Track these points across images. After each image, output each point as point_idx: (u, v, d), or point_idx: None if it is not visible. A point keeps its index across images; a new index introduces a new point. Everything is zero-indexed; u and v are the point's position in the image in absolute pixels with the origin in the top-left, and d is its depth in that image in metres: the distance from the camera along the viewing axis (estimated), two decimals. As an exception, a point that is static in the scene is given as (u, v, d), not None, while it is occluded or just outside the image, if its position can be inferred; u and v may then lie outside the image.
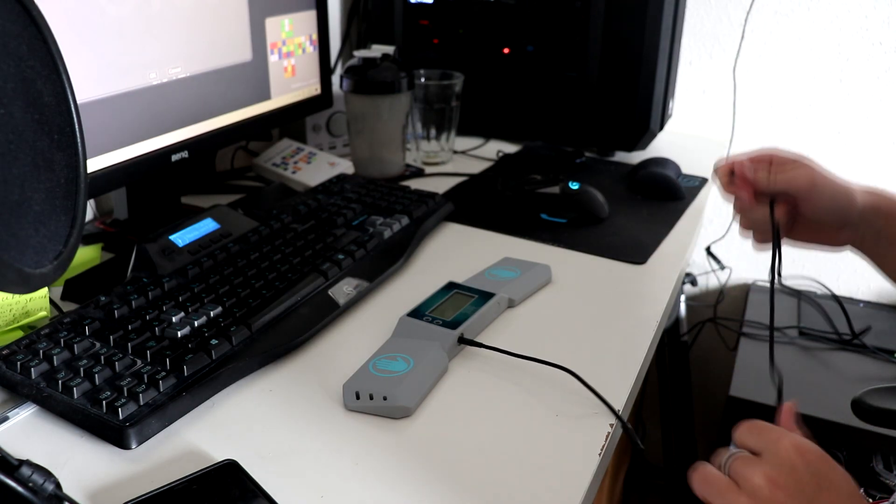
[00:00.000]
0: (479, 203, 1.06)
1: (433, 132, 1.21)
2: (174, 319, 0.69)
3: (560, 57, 1.26)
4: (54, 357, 0.62)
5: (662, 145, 1.34)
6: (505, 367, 0.69)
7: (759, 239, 0.75)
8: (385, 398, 0.61)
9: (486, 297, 0.76)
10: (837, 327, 1.38)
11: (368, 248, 0.85)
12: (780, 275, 0.71)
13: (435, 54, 1.34)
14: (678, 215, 1.05)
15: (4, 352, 0.63)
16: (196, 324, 0.69)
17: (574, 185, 1.01)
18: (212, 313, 0.70)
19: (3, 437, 0.59)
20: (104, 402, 0.57)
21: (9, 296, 0.69)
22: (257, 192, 1.10)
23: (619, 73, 1.23)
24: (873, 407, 0.91)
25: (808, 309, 1.45)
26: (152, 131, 0.86)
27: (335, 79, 1.20)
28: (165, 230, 0.80)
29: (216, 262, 0.79)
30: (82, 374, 0.60)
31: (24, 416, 0.61)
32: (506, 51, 1.29)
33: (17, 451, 0.56)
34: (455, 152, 1.28)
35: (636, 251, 0.93)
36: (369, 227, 0.90)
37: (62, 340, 0.64)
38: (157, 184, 0.96)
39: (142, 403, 0.58)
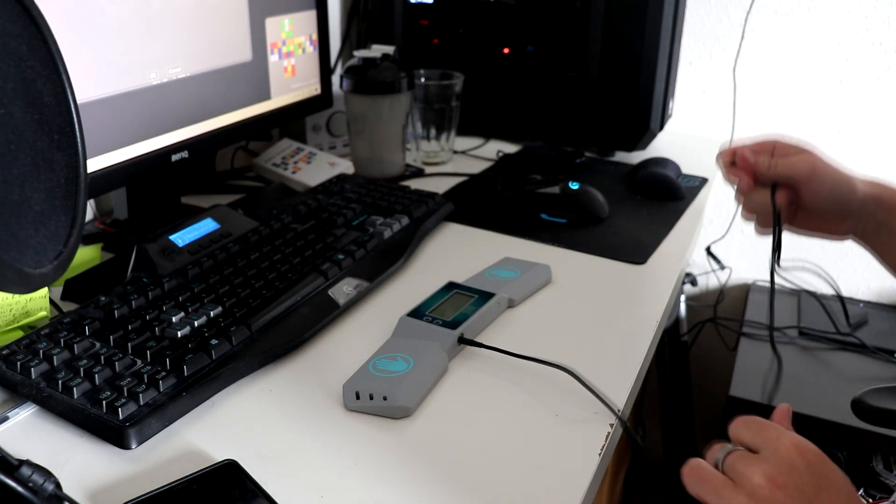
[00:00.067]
0: (479, 203, 1.06)
1: (433, 132, 1.21)
2: (174, 319, 0.69)
3: (560, 57, 1.26)
4: (54, 357, 0.62)
5: (662, 145, 1.34)
6: (505, 367, 0.69)
7: (761, 225, 0.76)
8: (385, 398, 0.61)
9: (486, 297, 0.76)
10: (838, 327, 1.38)
11: (368, 248, 0.85)
12: (779, 260, 0.72)
13: (435, 54, 1.34)
14: (678, 215, 1.05)
15: (4, 352, 0.63)
16: (196, 324, 0.69)
17: (574, 185, 1.01)
18: (212, 313, 0.70)
19: (3, 437, 0.59)
20: (104, 402, 0.57)
21: (9, 296, 0.69)
22: (257, 192, 1.10)
23: (619, 73, 1.23)
24: (873, 407, 0.91)
25: (809, 309, 1.45)
26: (152, 131, 0.86)
27: (335, 79, 1.20)
28: (165, 230, 0.80)
29: (216, 262, 0.79)
30: (82, 374, 0.60)
31: (24, 416, 0.61)
32: (506, 51, 1.29)
33: (17, 451, 0.56)
34: (455, 152, 1.28)
35: (636, 251, 0.93)
36: (369, 227, 0.90)
37: (62, 340, 0.64)
38: (157, 184, 0.96)
39: (142, 403, 0.58)
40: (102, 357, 0.63)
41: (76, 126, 0.50)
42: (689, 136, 1.45)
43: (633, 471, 1.68)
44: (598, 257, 0.92)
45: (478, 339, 0.71)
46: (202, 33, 0.90)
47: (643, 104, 1.23)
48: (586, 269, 0.89)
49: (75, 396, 0.59)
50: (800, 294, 1.50)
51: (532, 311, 0.79)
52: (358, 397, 0.62)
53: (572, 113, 1.28)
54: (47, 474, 0.47)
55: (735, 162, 0.73)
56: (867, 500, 0.96)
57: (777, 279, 1.55)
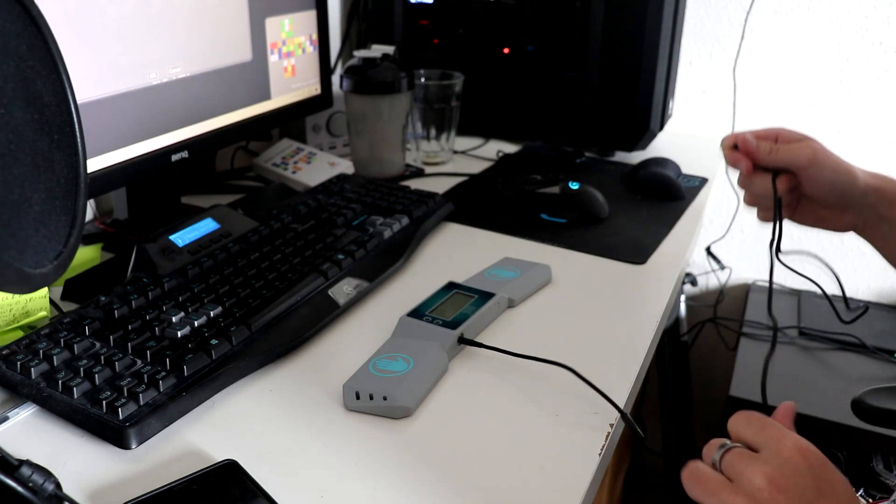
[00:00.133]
0: (479, 203, 1.06)
1: (433, 132, 1.21)
2: (174, 319, 0.69)
3: (560, 57, 1.26)
4: (54, 357, 0.62)
5: (662, 145, 1.34)
6: (505, 367, 0.69)
7: (763, 213, 0.77)
8: (385, 398, 0.61)
9: (486, 297, 0.76)
10: (840, 316, 1.38)
11: (368, 248, 0.85)
12: (779, 249, 0.72)
13: (435, 54, 1.34)
14: (678, 215, 1.05)
15: (4, 352, 0.63)
16: (196, 324, 0.69)
17: (574, 185, 1.01)
18: (212, 313, 0.70)
19: (3, 437, 0.59)
20: (104, 402, 0.57)
21: (9, 296, 0.69)
22: (257, 192, 1.10)
23: (619, 73, 1.23)
24: (873, 407, 0.91)
25: (809, 309, 1.45)
26: (152, 131, 0.86)
27: (335, 79, 1.20)
28: (165, 230, 0.80)
29: (216, 262, 0.79)
30: (82, 374, 0.60)
31: (24, 416, 0.61)
32: (506, 51, 1.29)
33: (17, 451, 0.56)
34: (455, 152, 1.28)
35: (636, 251, 0.93)
36: (369, 227, 0.90)
37: (62, 340, 0.64)
38: (157, 184, 0.96)
39: (142, 403, 0.58)
40: (102, 357, 0.63)
41: (76, 126, 0.50)
42: (689, 136, 1.45)
43: (633, 471, 1.68)
44: (598, 257, 0.92)
45: (478, 339, 0.71)
46: (202, 33, 0.90)
47: (643, 104, 1.23)
48: (586, 269, 0.89)
49: (75, 396, 0.59)
50: (800, 294, 1.50)
51: (532, 311, 0.79)
52: (358, 397, 0.62)
53: (572, 113, 1.28)
54: (47, 474, 0.47)
55: (737, 146, 0.74)
56: (867, 501, 0.96)
57: (776, 278, 1.55)
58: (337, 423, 0.61)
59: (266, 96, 1.03)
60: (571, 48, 1.24)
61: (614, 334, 0.75)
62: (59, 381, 0.60)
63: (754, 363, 1.31)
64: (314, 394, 0.65)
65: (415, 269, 0.88)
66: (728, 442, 0.49)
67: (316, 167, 1.14)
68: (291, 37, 1.06)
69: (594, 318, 0.78)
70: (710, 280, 1.63)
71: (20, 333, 0.70)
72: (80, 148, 0.51)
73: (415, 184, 1.10)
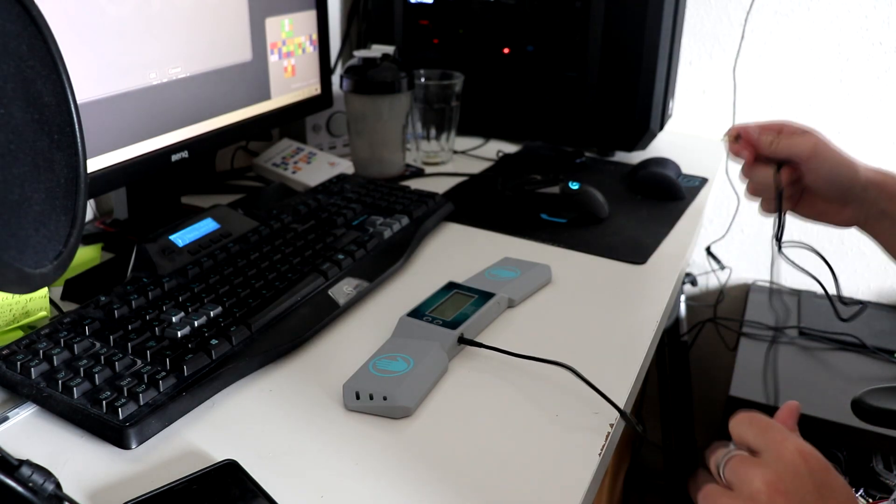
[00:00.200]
0: (479, 203, 1.06)
1: (433, 132, 1.21)
2: (174, 319, 0.69)
3: (560, 57, 1.26)
4: (54, 357, 0.62)
5: (662, 145, 1.34)
6: (505, 367, 0.69)
7: (765, 206, 0.77)
8: (385, 398, 0.61)
9: (486, 297, 0.76)
10: (839, 314, 1.38)
11: (368, 248, 0.85)
12: (780, 239, 0.72)
13: (435, 54, 1.34)
14: (678, 215, 1.05)
15: (4, 352, 0.63)
16: (196, 324, 0.69)
17: (574, 185, 1.01)
18: (212, 313, 0.70)
19: (3, 437, 0.59)
20: (104, 402, 0.57)
21: (9, 296, 0.69)
22: (257, 192, 1.10)
23: (619, 73, 1.23)
24: (873, 407, 0.91)
25: (809, 309, 1.45)
26: (152, 131, 0.86)
27: (335, 79, 1.20)
28: (165, 230, 0.80)
29: (216, 262, 0.79)
30: (82, 374, 0.60)
31: (24, 416, 0.61)
32: (506, 51, 1.29)
33: (17, 451, 0.56)
34: (455, 152, 1.28)
35: (636, 251, 0.93)
36: (369, 227, 0.90)
37: (62, 340, 0.64)
38: (157, 184, 0.96)
39: (142, 403, 0.58)
40: (102, 357, 0.63)
41: (76, 126, 0.50)
42: (689, 136, 1.45)
43: (633, 471, 1.68)
44: (598, 257, 0.92)
45: (478, 339, 0.71)
46: (202, 33, 0.90)
47: (643, 104, 1.23)
48: (586, 269, 0.89)
49: (75, 396, 0.59)
50: (800, 294, 1.50)
51: (532, 311, 0.79)
52: (358, 397, 0.62)
53: (572, 113, 1.28)
54: (47, 474, 0.47)
55: (739, 137, 0.75)
56: (867, 501, 0.96)
57: (777, 279, 1.55)
58: (337, 423, 0.61)
59: (266, 96, 1.03)
60: (571, 48, 1.24)
61: (614, 334, 0.75)
62: (59, 381, 0.60)
63: (754, 363, 1.31)
64: (314, 394, 0.65)
65: (415, 269, 0.88)
66: (732, 448, 0.48)
67: (316, 167, 1.14)
68: (291, 37, 1.06)
69: (594, 318, 0.78)
70: (710, 280, 1.63)
71: (20, 333, 0.70)
72: (80, 148, 0.51)
73: (415, 184, 1.10)
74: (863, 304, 1.36)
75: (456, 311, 0.73)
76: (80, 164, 0.51)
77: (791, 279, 1.52)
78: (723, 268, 1.61)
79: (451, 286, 0.78)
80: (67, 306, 0.77)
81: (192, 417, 0.61)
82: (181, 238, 0.80)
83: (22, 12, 0.46)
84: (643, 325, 0.77)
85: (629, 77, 1.22)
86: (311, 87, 1.12)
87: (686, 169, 1.21)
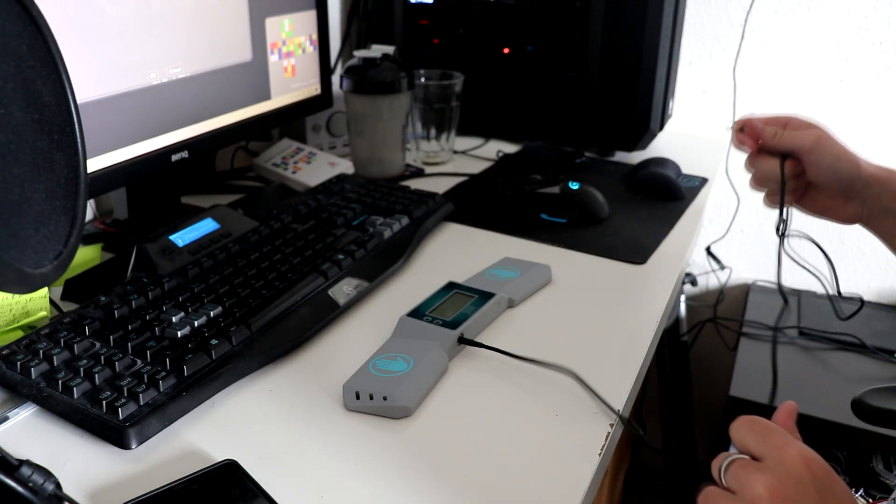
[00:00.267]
0: (479, 203, 1.06)
1: (433, 132, 1.21)
2: (174, 319, 0.69)
3: (560, 57, 1.26)
4: (54, 357, 0.62)
5: (662, 145, 1.34)
6: (505, 367, 0.69)
7: (770, 198, 0.78)
8: (385, 398, 0.61)
9: (486, 297, 0.76)
10: (838, 312, 1.38)
11: (368, 248, 0.85)
12: (783, 233, 0.73)
13: (435, 54, 1.34)
14: (678, 215, 1.05)
15: (4, 352, 0.63)
16: (196, 324, 0.69)
17: (574, 185, 1.01)
18: (212, 313, 0.70)
19: (3, 437, 0.59)
20: (104, 402, 0.57)
21: (9, 296, 0.69)
22: (257, 192, 1.10)
23: (619, 73, 1.23)
24: (873, 407, 0.91)
25: (809, 309, 1.45)
26: (152, 131, 0.86)
27: (335, 79, 1.20)
28: (165, 230, 0.80)
29: (216, 262, 0.79)
30: (82, 374, 0.60)
31: (24, 416, 0.61)
32: (506, 51, 1.29)
33: (17, 451, 0.56)
34: (455, 152, 1.28)
35: (636, 251, 0.93)
36: (369, 227, 0.90)
37: (62, 340, 0.64)
38: (157, 184, 0.96)
39: (142, 403, 0.58)
40: (102, 357, 0.63)
41: (76, 126, 0.50)
42: (689, 136, 1.45)
43: (633, 471, 1.68)
44: (598, 257, 0.92)
45: (478, 339, 0.71)
46: (202, 33, 0.90)
47: (643, 104, 1.23)
48: (586, 269, 0.89)
49: (75, 396, 0.59)
50: (800, 294, 1.50)
51: (532, 311, 0.79)
52: (358, 397, 0.62)
53: (572, 113, 1.28)
54: (47, 474, 0.47)
55: (745, 129, 0.76)
56: (867, 501, 0.96)
57: (778, 273, 1.55)
58: (337, 423, 0.61)
59: (266, 96, 1.03)
60: (571, 48, 1.24)
61: (614, 334, 0.75)
62: (59, 381, 0.60)
63: (754, 363, 1.31)
64: (314, 394, 0.65)
65: (415, 269, 0.88)
66: (734, 453, 0.48)
67: (316, 167, 1.14)
68: (291, 37, 1.06)
69: (594, 318, 0.78)
70: (710, 280, 1.63)
71: (20, 333, 0.70)
72: (80, 148, 0.51)
73: (415, 184, 1.10)
74: (862, 301, 1.36)
75: (456, 311, 0.73)
76: (80, 164, 0.51)
77: (791, 279, 1.52)
78: (723, 268, 1.61)
79: (451, 286, 0.78)
80: (67, 306, 0.77)
81: (192, 417, 0.61)
82: (181, 238, 0.80)
83: (22, 12, 0.46)
84: (643, 325, 0.77)
85: (629, 77, 1.22)
86: (311, 87, 1.12)
87: (686, 169, 1.21)
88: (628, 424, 0.62)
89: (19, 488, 0.45)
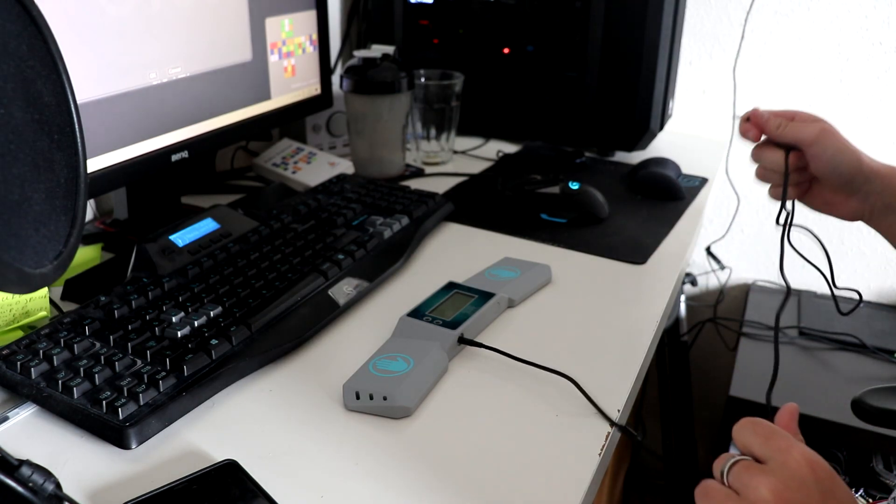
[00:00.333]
0: (479, 203, 1.06)
1: (433, 132, 1.21)
2: (174, 319, 0.69)
3: (560, 57, 1.26)
4: (54, 357, 0.62)
5: (662, 145, 1.34)
6: (505, 367, 0.69)
7: (773, 191, 0.78)
8: (385, 398, 0.61)
9: (486, 297, 0.76)
10: (838, 327, 1.38)
11: (368, 248, 0.85)
12: (786, 222, 0.73)
13: (435, 54, 1.34)
14: (678, 215, 1.05)
15: (4, 352, 0.63)
16: (196, 324, 0.69)
17: (574, 185, 1.01)
18: (212, 313, 0.70)
19: (3, 437, 0.59)
20: (104, 402, 0.57)
21: (9, 296, 0.69)
22: (257, 192, 1.10)
23: (619, 73, 1.23)
24: (873, 407, 0.91)
25: (808, 309, 1.45)
26: (152, 131, 0.86)
27: (335, 79, 1.20)
28: (165, 230, 0.80)
29: (216, 262, 0.79)
30: (82, 374, 0.60)
31: (24, 416, 0.61)
32: (506, 51, 1.29)
33: (17, 451, 0.56)
34: (455, 152, 1.28)
35: (636, 251, 0.93)
36: (369, 227, 0.90)
37: (62, 340, 0.64)
38: (157, 184, 0.96)
39: (142, 403, 0.58)
40: (102, 357, 0.63)
41: (76, 126, 0.50)
42: (689, 136, 1.45)
43: (633, 471, 1.68)
44: (598, 257, 0.92)
45: (478, 340, 0.71)
46: (202, 33, 0.90)
47: (643, 104, 1.23)
48: (586, 269, 0.89)
49: (75, 396, 0.59)
50: (800, 294, 1.50)
51: (532, 311, 0.79)
52: (358, 397, 0.62)
53: (572, 113, 1.28)
54: (47, 474, 0.47)
55: (751, 119, 0.77)
56: (867, 501, 0.96)
57: (778, 278, 1.55)
58: (337, 423, 0.61)
59: (266, 96, 1.03)
60: (571, 48, 1.24)
61: (614, 334, 0.75)
62: (59, 381, 0.60)
63: (754, 363, 1.31)
64: (314, 394, 0.65)
65: (415, 269, 0.88)
66: (736, 454, 0.48)
67: (316, 167, 1.14)
68: (291, 37, 1.06)
69: (594, 318, 0.78)
70: (710, 280, 1.63)
71: (20, 333, 0.70)
72: (80, 148, 0.51)
73: (415, 184, 1.10)
74: (859, 295, 1.37)
75: (456, 311, 0.73)
76: (80, 164, 0.51)
77: (791, 279, 1.52)
78: (723, 268, 1.61)
79: (451, 286, 0.78)
80: (67, 306, 0.77)
81: (192, 417, 0.61)
82: (181, 238, 0.80)
83: (22, 12, 0.46)
84: (643, 326, 0.77)
85: (629, 77, 1.22)
86: (311, 87, 1.12)
87: (686, 169, 1.21)
88: (625, 432, 0.62)
89: (19, 488, 0.45)
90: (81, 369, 0.61)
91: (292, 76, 1.07)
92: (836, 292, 0.80)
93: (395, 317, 0.73)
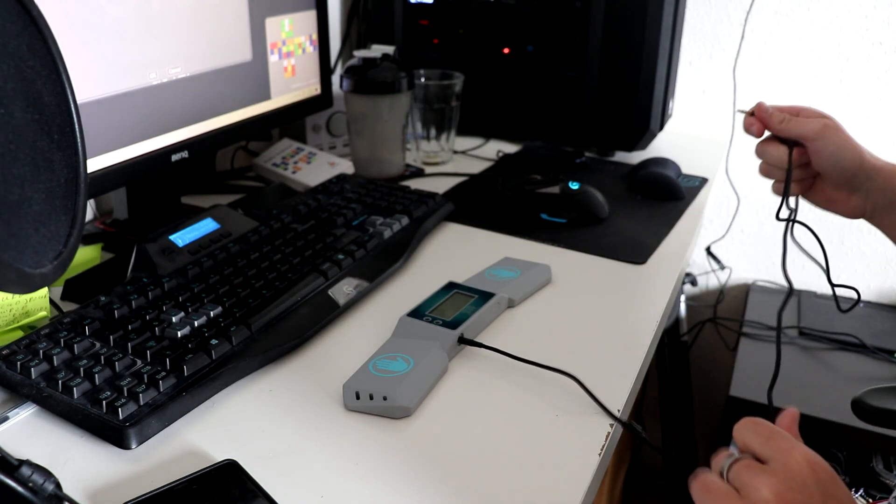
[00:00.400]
0: (479, 203, 1.06)
1: (433, 132, 1.21)
2: (174, 319, 0.69)
3: (560, 57, 1.26)
4: (54, 357, 0.62)
5: (662, 145, 1.34)
6: (505, 367, 0.69)
7: (776, 186, 0.78)
8: (385, 398, 0.61)
9: (486, 297, 0.76)
10: (838, 327, 1.38)
11: (368, 248, 0.85)
12: (789, 219, 0.73)
13: (435, 54, 1.34)
14: (678, 215, 1.05)
15: (4, 352, 0.63)
16: (196, 324, 0.69)
17: (574, 185, 1.01)
18: (212, 313, 0.70)
19: (3, 437, 0.59)
20: (104, 402, 0.57)
21: (9, 296, 0.69)
22: (257, 192, 1.10)
23: (619, 73, 1.23)
24: (873, 407, 0.91)
25: (808, 309, 1.45)
26: (152, 131, 0.86)
27: (335, 79, 1.20)
28: (165, 230, 0.80)
29: (216, 262, 0.79)
30: (82, 374, 0.60)
31: (24, 416, 0.61)
32: (506, 51, 1.29)
33: (17, 451, 0.56)
34: (455, 152, 1.28)
35: (636, 251, 0.93)
36: (369, 227, 0.90)
37: (62, 340, 0.64)
38: (157, 184, 0.96)
39: (142, 403, 0.58)
40: (102, 357, 0.63)
41: (76, 126, 0.50)
42: (689, 136, 1.45)
43: (633, 471, 1.68)
44: (598, 257, 0.92)
45: (478, 339, 0.71)
46: (202, 33, 0.90)
47: (643, 104, 1.23)
48: (586, 269, 0.89)
49: (75, 396, 0.59)
50: (800, 294, 1.50)
51: (532, 311, 0.79)
52: (358, 397, 0.62)
53: (572, 113, 1.28)
54: (47, 474, 0.47)
55: (755, 114, 0.77)
56: (867, 501, 0.96)
57: (780, 278, 1.55)
58: (337, 423, 0.61)
59: (266, 96, 1.03)
60: (571, 48, 1.24)
61: (614, 334, 0.75)
62: (59, 381, 0.60)
63: (754, 363, 1.31)
64: (314, 394, 0.65)
65: (415, 269, 0.88)
66: (736, 452, 0.48)
67: (316, 167, 1.14)
68: (291, 37, 1.06)
69: (594, 319, 0.78)
70: (710, 280, 1.63)
71: (20, 333, 0.70)
72: (80, 148, 0.51)
73: (415, 184, 1.10)
74: (857, 292, 1.37)
75: (456, 311, 0.73)
76: (80, 164, 0.51)
77: (792, 278, 1.52)
78: (723, 268, 1.61)
79: (451, 286, 0.78)
80: (67, 306, 0.77)
81: (192, 417, 0.61)
82: (181, 238, 0.80)
83: (22, 12, 0.46)
84: (643, 325, 0.77)
85: (629, 77, 1.22)
86: (311, 87, 1.12)
87: (686, 169, 1.21)
88: (628, 428, 0.62)
89: (19, 488, 0.45)
90: (81, 369, 0.61)
91: (292, 76, 1.07)
92: (836, 290, 0.79)
93: (395, 317, 0.73)
